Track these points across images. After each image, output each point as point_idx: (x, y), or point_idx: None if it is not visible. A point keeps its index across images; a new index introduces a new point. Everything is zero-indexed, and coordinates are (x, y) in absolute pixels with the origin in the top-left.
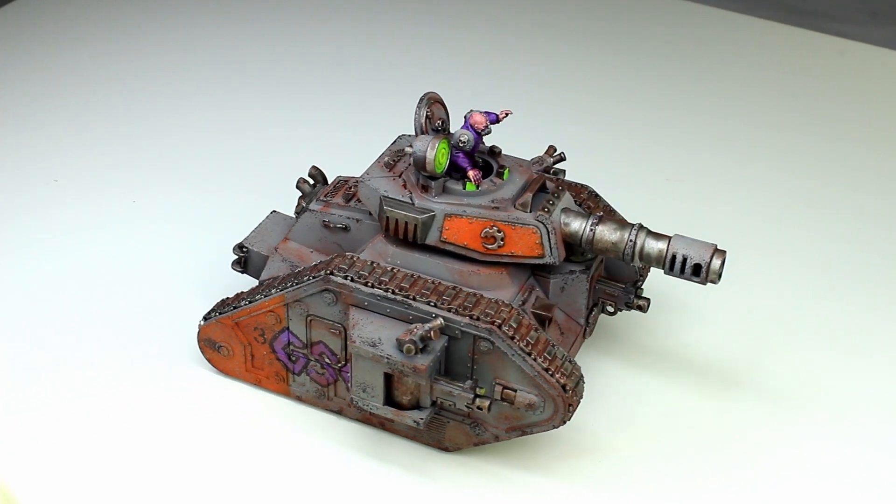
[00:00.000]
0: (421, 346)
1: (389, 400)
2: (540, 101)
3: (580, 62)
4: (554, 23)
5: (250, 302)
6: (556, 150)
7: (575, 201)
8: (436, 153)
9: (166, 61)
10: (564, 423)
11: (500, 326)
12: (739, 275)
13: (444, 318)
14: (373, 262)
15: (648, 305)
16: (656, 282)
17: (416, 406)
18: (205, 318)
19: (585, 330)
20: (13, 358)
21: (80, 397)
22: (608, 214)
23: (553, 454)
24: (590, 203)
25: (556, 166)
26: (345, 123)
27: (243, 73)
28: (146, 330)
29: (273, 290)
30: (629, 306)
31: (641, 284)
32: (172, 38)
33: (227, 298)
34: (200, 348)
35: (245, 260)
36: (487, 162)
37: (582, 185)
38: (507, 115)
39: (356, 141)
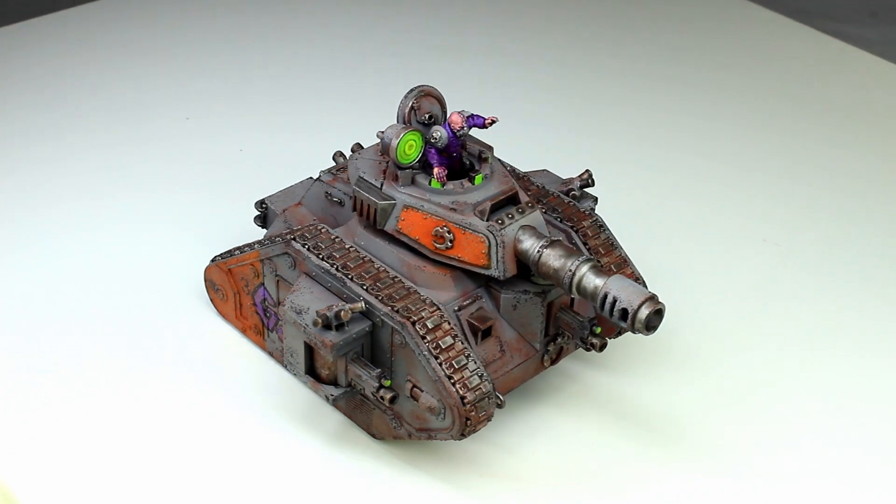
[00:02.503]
0: (335, 323)
1: (313, 370)
2: (549, 107)
3: (592, 65)
4: (572, 25)
5: (241, 252)
6: (590, 175)
7: (573, 229)
8: (399, 142)
9: (166, 59)
10: (464, 436)
11: (413, 323)
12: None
13: (369, 303)
14: (336, 238)
15: (604, 346)
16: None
17: (335, 382)
18: (212, 260)
19: (544, 357)
20: (13, 358)
21: (80, 397)
22: (607, 249)
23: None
24: (588, 232)
25: (588, 191)
26: (349, 121)
27: (244, 71)
28: (146, 330)
29: (255, 245)
30: (584, 342)
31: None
32: (172, 36)
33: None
34: (206, 287)
35: (265, 216)
36: (472, 164)
37: (589, 214)
38: (493, 121)
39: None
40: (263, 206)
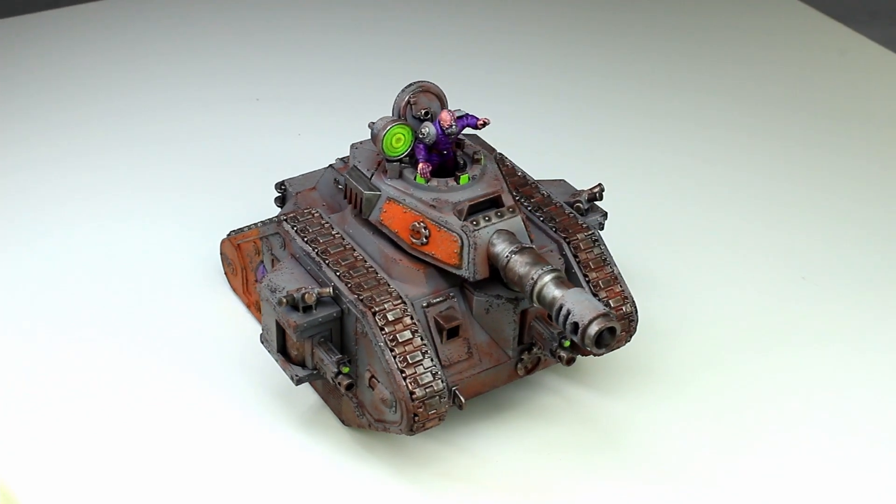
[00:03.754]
0: (303, 305)
1: (285, 350)
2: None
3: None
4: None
5: (248, 229)
6: (601, 190)
7: (566, 241)
8: (386, 134)
9: (165, 56)
10: (413, 432)
11: (374, 313)
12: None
13: (338, 290)
14: (326, 224)
15: (572, 361)
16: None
17: (304, 364)
18: (228, 234)
19: (517, 365)
20: (13, 358)
21: (80, 397)
22: (598, 265)
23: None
24: (581, 245)
25: (602, 206)
26: (354, 117)
27: (244, 68)
28: (146, 331)
29: (258, 224)
30: (553, 354)
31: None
32: (169, 35)
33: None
34: (221, 259)
35: (283, 197)
36: (466, 164)
37: (586, 227)
38: (484, 123)
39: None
40: (283, 187)
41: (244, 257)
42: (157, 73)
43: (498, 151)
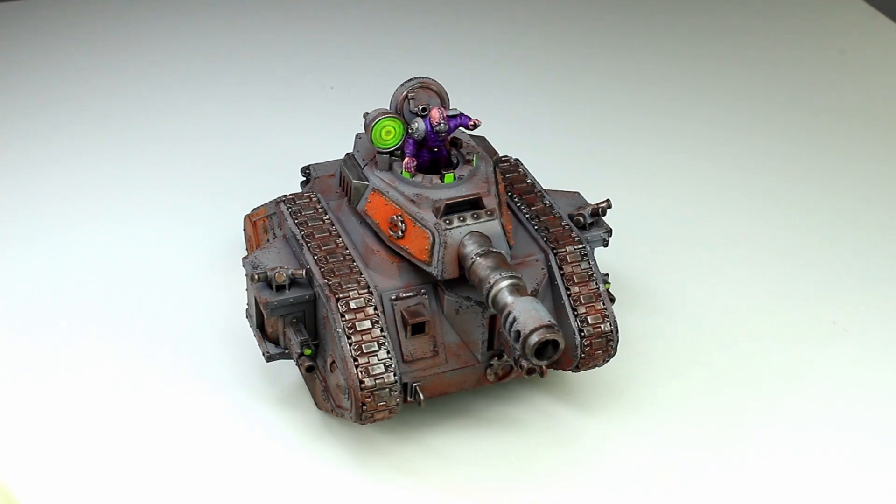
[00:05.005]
0: (276, 284)
1: (264, 326)
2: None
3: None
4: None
5: (262, 207)
6: (608, 206)
7: (553, 251)
8: (376, 126)
9: (165, 53)
10: (362, 421)
11: (338, 299)
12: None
13: (311, 272)
14: (321, 208)
15: (532, 371)
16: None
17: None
18: (251, 210)
19: (487, 371)
20: (13, 357)
21: (80, 397)
22: (582, 280)
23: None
24: (567, 258)
25: (612, 223)
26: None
27: (245, 66)
28: (146, 330)
29: (266, 203)
30: (515, 363)
31: None
32: (167, 34)
33: None
34: (244, 237)
35: (308, 180)
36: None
37: (577, 240)
38: (475, 125)
39: None
40: (307, 171)
41: (258, 234)
42: (177, 66)
43: (514, 158)
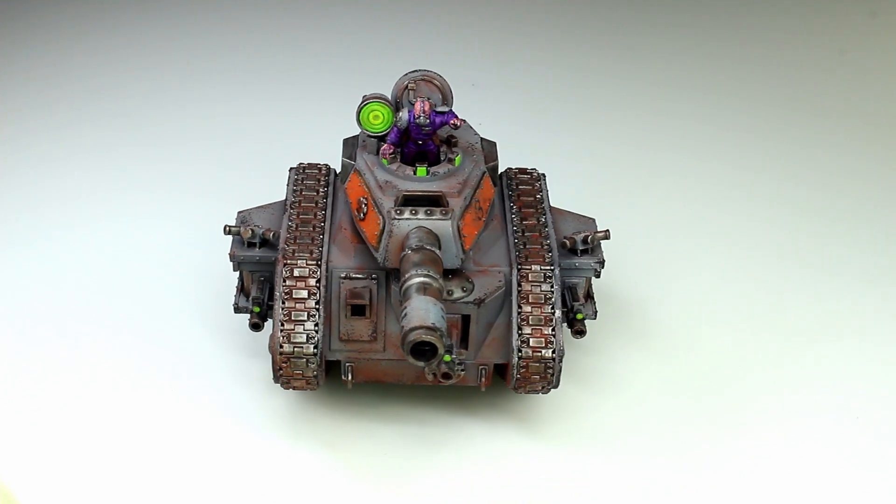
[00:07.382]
0: (247, 239)
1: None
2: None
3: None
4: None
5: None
6: (605, 236)
7: (518, 269)
8: (364, 109)
9: (165, 54)
10: (278, 383)
11: (285, 265)
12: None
13: (278, 236)
14: (323, 181)
15: (447, 376)
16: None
17: None
18: None
19: (425, 368)
20: (14, 358)
21: (80, 397)
22: (537, 302)
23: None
24: (529, 276)
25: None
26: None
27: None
28: (145, 330)
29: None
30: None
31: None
32: (167, 33)
33: None
34: None
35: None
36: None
37: (547, 262)
38: (455, 125)
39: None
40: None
41: None
42: (181, 65)
43: (540, 172)
